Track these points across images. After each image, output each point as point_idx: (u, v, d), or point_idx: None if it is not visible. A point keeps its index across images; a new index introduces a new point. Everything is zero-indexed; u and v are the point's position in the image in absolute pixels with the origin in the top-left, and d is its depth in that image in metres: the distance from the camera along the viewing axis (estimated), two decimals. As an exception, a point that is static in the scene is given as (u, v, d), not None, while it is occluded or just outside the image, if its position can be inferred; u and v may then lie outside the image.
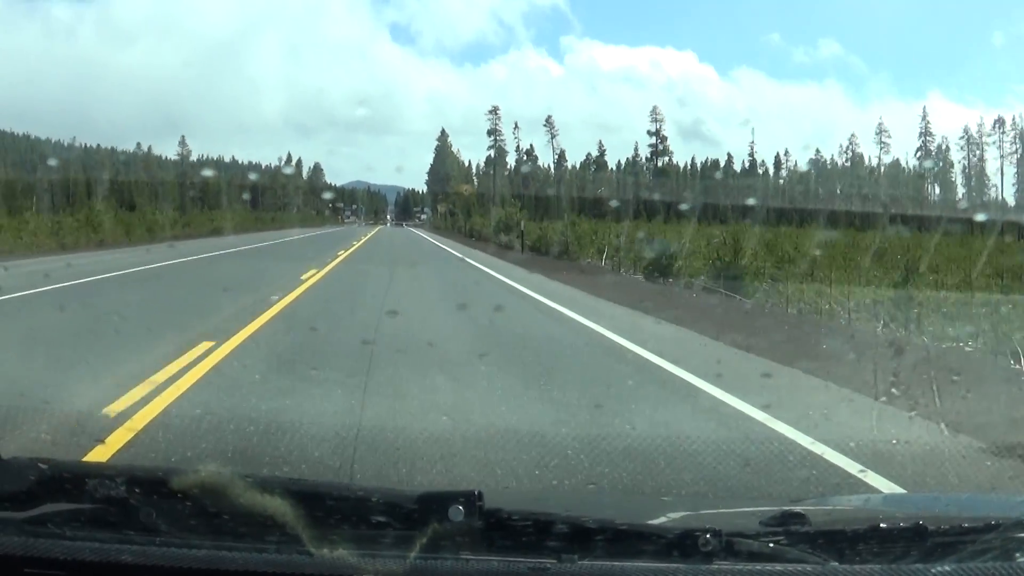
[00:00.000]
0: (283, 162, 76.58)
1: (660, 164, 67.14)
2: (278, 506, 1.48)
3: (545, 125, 71.65)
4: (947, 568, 1.46)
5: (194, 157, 71.31)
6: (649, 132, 67.44)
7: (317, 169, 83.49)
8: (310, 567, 1.43)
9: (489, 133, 74.31)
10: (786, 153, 67.99)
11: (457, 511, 1.46)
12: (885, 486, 3.95)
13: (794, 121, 79.73)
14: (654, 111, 68.61)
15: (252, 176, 72.27)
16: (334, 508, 1.55)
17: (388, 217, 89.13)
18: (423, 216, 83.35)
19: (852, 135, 67.01)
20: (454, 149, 78.13)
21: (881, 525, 1.62)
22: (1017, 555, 1.50)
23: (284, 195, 75.06)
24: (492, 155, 76.27)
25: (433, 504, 1.49)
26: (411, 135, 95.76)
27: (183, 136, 67.49)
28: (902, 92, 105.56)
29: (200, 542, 1.48)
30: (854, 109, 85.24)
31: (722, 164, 67.55)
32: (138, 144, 67.44)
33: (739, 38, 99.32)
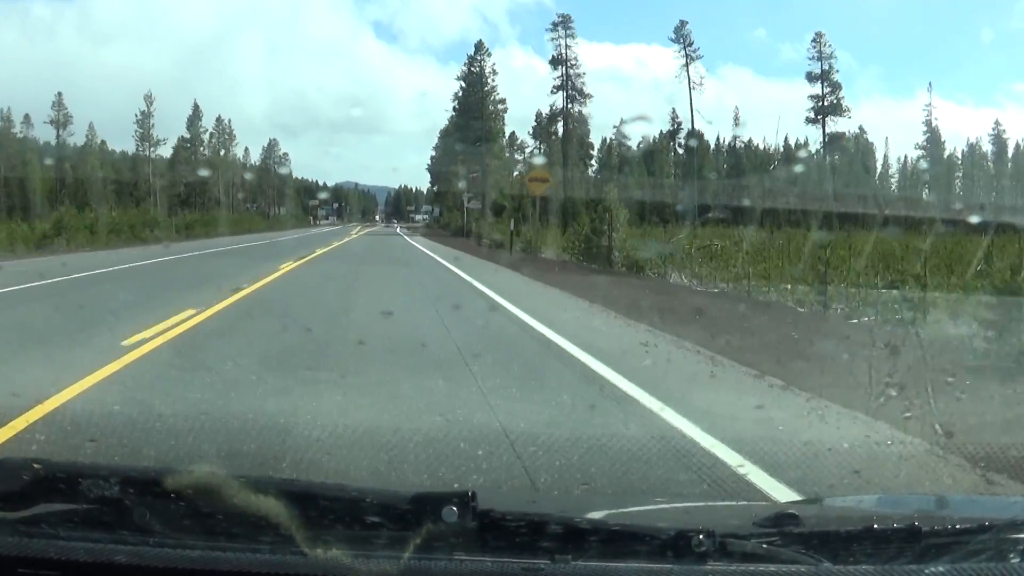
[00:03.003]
0: (187, 119, 52.33)
1: (794, 146, 47.26)
2: (272, 506, 1.48)
3: (677, 39, 43.67)
4: (941, 569, 1.46)
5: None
6: (813, 76, 43.27)
7: (272, 150, 59.33)
8: (304, 567, 1.43)
9: (555, 63, 45.82)
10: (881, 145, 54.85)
11: (451, 511, 1.46)
12: None
13: (782, 118, 79.17)
14: (820, 39, 42.78)
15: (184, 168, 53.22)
16: (328, 509, 1.55)
17: (377, 217, 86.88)
18: (419, 216, 71.59)
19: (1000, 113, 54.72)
20: (493, 85, 45.90)
21: (875, 526, 1.62)
22: (1011, 556, 1.50)
23: (209, 188, 55.09)
24: (563, 99, 45.73)
25: (427, 504, 1.49)
26: (399, 135, 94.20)
27: (59, 94, 50.68)
28: (891, 90, 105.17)
29: (194, 542, 1.48)
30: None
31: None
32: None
33: (725, 35, 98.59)
